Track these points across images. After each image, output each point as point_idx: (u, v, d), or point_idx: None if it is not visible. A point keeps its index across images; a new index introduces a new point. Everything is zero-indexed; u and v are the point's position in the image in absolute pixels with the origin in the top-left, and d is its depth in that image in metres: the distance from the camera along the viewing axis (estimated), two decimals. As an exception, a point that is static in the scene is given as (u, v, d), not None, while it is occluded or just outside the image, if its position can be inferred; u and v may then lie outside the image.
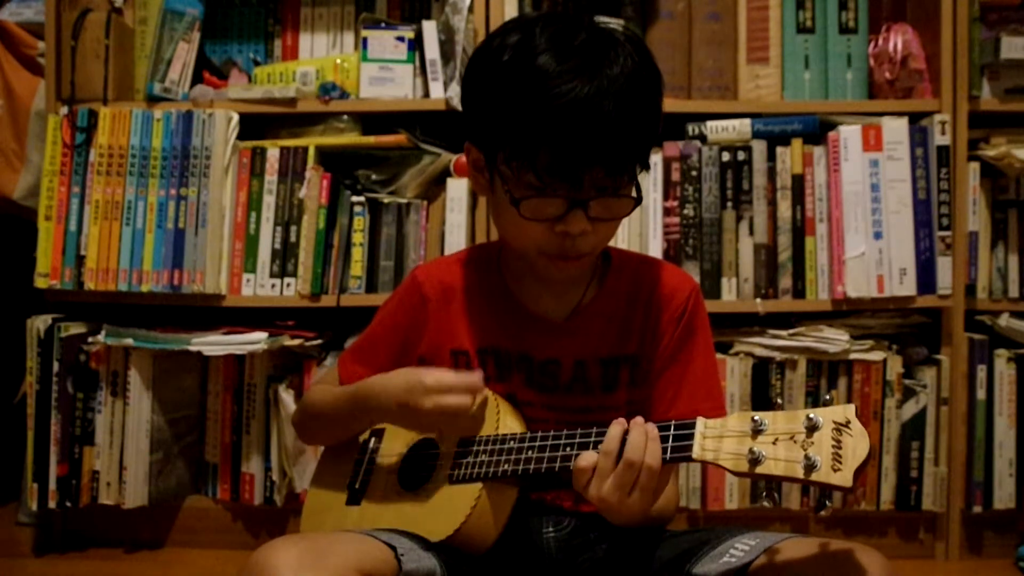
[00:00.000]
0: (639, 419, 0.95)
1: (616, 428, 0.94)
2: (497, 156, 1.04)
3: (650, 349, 1.14)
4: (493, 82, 1.03)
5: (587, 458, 0.94)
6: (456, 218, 1.86)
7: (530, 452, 1.02)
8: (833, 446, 0.83)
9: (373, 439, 1.19)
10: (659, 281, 1.15)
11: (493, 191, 1.08)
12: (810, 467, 0.83)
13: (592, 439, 0.98)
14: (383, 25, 1.93)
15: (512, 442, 1.04)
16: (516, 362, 1.14)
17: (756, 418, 0.88)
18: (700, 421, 0.92)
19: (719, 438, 0.90)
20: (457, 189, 1.86)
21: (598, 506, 0.95)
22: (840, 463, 0.82)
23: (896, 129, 1.82)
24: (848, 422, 0.84)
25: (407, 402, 1.05)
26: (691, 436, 0.91)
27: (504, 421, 1.07)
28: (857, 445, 0.83)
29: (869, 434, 0.84)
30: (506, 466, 1.02)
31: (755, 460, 0.86)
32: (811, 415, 0.85)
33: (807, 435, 0.85)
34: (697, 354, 1.15)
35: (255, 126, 1.92)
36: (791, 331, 1.83)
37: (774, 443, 0.86)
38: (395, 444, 1.16)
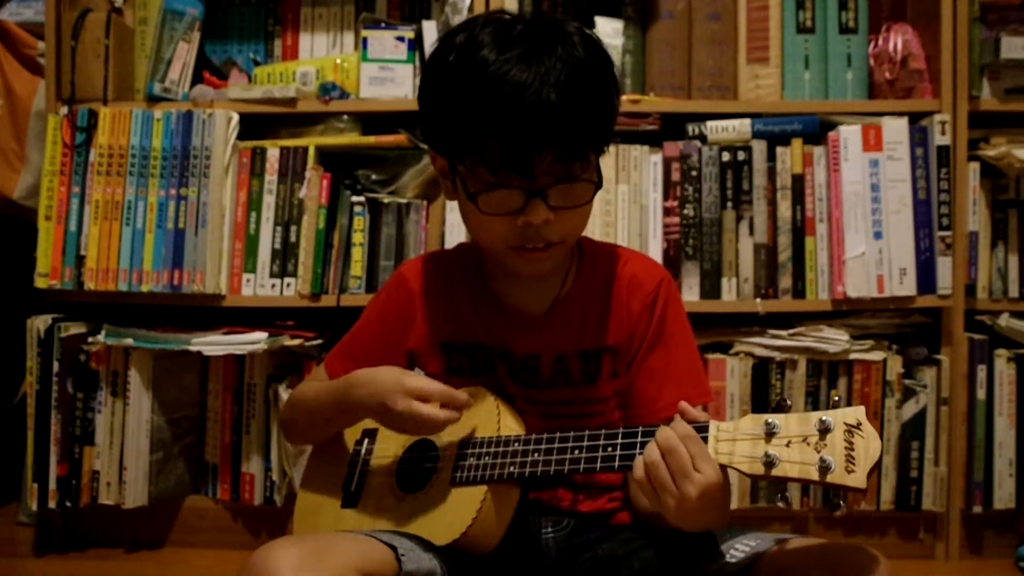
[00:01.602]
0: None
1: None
2: (454, 157, 1.04)
3: (627, 340, 1.14)
4: (440, 81, 1.05)
5: (638, 467, 0.92)
6: (456, 218, 1.86)
7: (536, 455, 1.02)
8: (846, 448, 0.84)
9: (366, 440, 1.19)
10: (630, 270, 1.16)
11: (457, 194, 1.08)
12: (825, 469, 0.84)
13: (601, 441, 0.99)
14: (383, 25, 1.93)
15: (516, 444, 1.04)
16: (498, 357, 1.15)
17: (769, 421, 0.88)
18: (713, 424, 0.92)
19: (732, 441, 0.90)
20: (457, 189, 1.86)
21: (678, 509, 0.90)
22: (853, 464, 0.83)
23: (896, 129, 1.82)
24: (859, 424, 0.85)
25: (384, 400, 1.05)
26: (704, 440, 0.91)
27: (504, 422, 1.07)
28: (869, 446, 0.84)
29: (872, 435, 0.85)
30: (511, 468, 1.02)
31: (770, 463, 0.87)
32: (824, 418, 0.86)
33: (820, 437, 0.86)
34: (675, 342, 1.15)
35: (255, 126, 1.92)
36: (791, 331, 1.83)
37: (787, 445, 0.87)
38: (390, 446, 1.16)
